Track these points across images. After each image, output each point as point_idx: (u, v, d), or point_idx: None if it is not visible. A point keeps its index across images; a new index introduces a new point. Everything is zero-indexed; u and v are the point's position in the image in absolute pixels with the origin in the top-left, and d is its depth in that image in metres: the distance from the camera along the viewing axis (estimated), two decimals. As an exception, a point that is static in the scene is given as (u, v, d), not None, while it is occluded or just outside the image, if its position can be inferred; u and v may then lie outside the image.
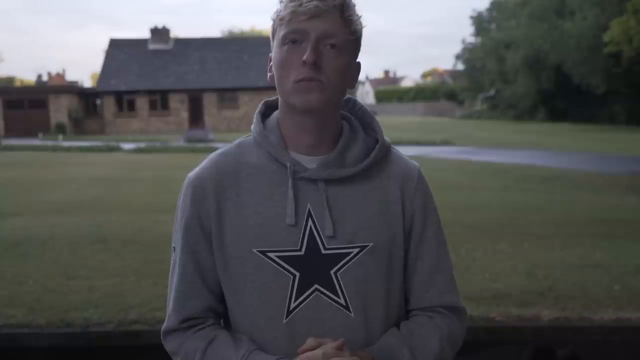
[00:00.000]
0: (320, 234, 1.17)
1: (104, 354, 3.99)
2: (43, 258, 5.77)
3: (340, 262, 1.17)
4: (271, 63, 1.20)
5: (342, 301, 1.17)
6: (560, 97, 39.42)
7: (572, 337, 3.97)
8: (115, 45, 39.83)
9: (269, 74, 1.23)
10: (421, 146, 20.08)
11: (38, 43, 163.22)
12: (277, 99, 1.26)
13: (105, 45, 43.81)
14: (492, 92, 52.22)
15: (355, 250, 1.18)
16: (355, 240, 1.18)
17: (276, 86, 1.18)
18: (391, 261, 1.22)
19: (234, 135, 31.39)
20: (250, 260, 1.17)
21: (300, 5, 1.13)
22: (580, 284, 4.80)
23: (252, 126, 1.25)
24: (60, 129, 32.84)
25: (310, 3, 1.13)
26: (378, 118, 1.33)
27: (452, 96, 65.72)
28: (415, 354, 1.18)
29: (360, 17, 1.19)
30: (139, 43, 40.01)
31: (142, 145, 21.62)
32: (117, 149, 21.13)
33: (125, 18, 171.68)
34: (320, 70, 1.13)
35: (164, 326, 1.26)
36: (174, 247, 1.26)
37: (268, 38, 1.26)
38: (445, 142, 21.49)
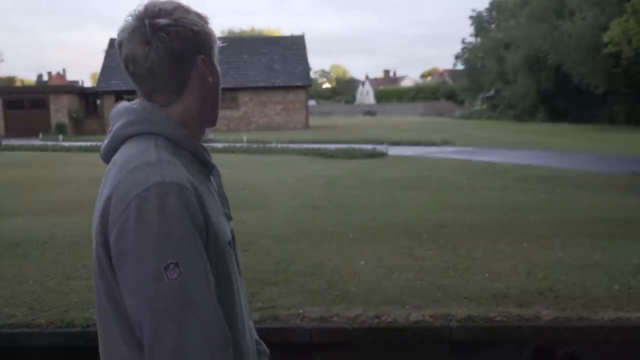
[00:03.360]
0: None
1: (104, 353, 3.99)
2: (43, 258, 5.78)
3: (235, 239, 1.39)
4: (209, 73, 1.32)
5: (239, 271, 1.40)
6: (560, 97, 39.40)
7: (572, 337, 3.97)
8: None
9: (210, 79, 1.32)
10: (421, 146, 20.08)
11: (35, 43, 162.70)
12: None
13: (101, 45, 43.77)
14: (492, 92, 52.20)
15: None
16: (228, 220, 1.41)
17: (208, 102, 1.33)
18: None
19: (233, 135, 31.19)
20: (227, 252, 1.27)
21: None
22: (580, 284, 4.80)
23: (167, 128, 1.26)
24: (61, 129, 32.82)
25: None
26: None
27: (452, 96, 65.68)
28: None
29: None
30: (139, 43, 39.97)
31: (142, 145, 21.57)
32: (117, 149, 21.09)
33: (121, 18, 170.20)
34: None
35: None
36: (171, 263, 1.09)
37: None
38: (445, 142, 21.48)
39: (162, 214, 1.11)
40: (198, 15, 1.31)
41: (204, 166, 1.32)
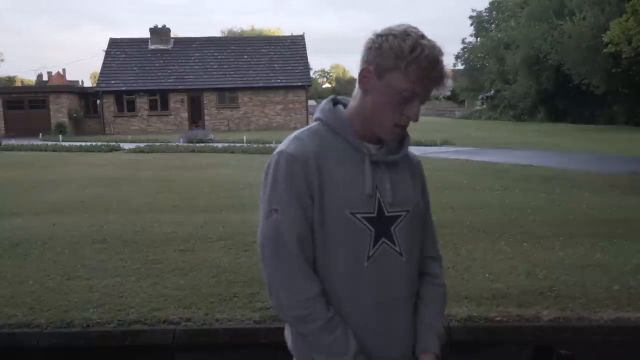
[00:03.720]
0: (384, 201, 1.57)
1: (104, 354, 3.99)
2: (43, 258, 5.77)
3: (396, 221, 1.59)
4: (371, 74, 1.50)
5: (398, 249, 1.60)
6: (560, 97, 39.42)
7: (572, 337, 3.97)
8: (115, 45, 39.81)
9: (366, 79, 1.52)
10: (421, 146, 20.09)
11: (33, 43, 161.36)
12: (335, 98, 1.67)
13: (100, 45, 43.79)
14: (492, 92, 52.20)
15: (404, 213, 1.61)
16: (404, 205, 1.61)
17: (371, 108, 1.53)
18: (420, 220, 1.70)
19: (233, 135, 30.99)
20: (343, 219, 1.53)
21: (437, 73, 1.46)
22: (580, 284, 4.80)
23: (328, 118, 1.60)
24: (61, 129, 32.81)
25: (443, 72, 1.48)
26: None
27: (452, 96, 65.67)
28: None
29: None
30: (139, 43, 40.00)
31: (142, 145, 21.61)
32: (117, 149, 21.13)
33: (119, 18, 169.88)
34: None
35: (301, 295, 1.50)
36: (274, 209, 1.51)
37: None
38: (445, 142, 21.49)
39: (275, 173, 1.53)
40: None
41: (357, 151, 1.57)
